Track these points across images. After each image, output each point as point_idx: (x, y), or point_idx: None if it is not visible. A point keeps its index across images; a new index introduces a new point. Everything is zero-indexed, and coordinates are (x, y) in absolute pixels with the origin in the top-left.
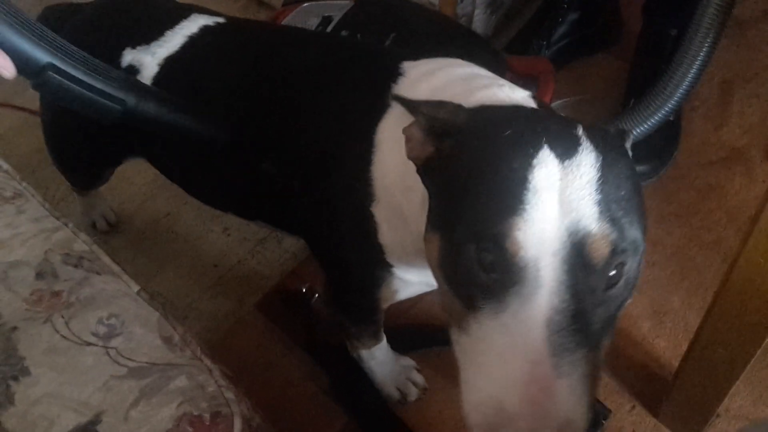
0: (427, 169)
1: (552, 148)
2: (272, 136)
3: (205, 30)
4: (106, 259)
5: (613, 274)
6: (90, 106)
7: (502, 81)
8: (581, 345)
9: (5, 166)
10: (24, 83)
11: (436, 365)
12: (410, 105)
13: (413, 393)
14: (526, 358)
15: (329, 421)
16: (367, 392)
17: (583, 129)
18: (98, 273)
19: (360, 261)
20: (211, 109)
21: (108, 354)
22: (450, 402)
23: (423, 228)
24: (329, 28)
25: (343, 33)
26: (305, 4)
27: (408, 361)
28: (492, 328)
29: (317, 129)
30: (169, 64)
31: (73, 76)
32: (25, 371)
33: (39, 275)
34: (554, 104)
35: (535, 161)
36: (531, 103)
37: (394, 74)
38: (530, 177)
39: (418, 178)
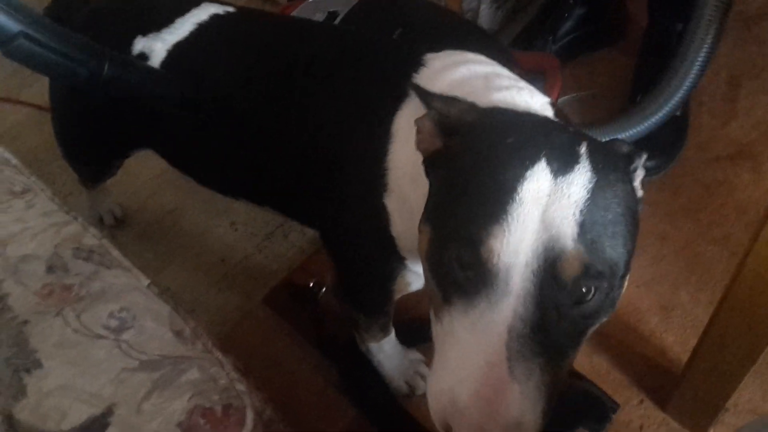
0: (432, 163)
1: (549, 162)
2: (286, 124)
3: (215, 18)
4: (116, 253)
5: (583, 293)
6: (57, 70)
7: (523, 84)
8: (539, 354)
9: (14, 161)
10: (30, 78)
11: None
12: (424, 96)
13: (421, 386)
14: (484, 358)
15: (337, 415)
16: (375, 386)
17: (589, 146)
18: (108, 267)
19: (374, 253)
20: (222, 96)
21: (119, 347)
22: None
23: None
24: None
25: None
26: (310, 0)
27: (416, 355)
28: (460, 323)
29: (335, 117)
30: (178, 51)
31: (42, 42)
32: (37, 363)
33: (50, 269)
34: (560, 100)
35: (528, 173)
36: (548, 111)
37: (416, 64)
38: (519, 188)
39: (423, 170)
